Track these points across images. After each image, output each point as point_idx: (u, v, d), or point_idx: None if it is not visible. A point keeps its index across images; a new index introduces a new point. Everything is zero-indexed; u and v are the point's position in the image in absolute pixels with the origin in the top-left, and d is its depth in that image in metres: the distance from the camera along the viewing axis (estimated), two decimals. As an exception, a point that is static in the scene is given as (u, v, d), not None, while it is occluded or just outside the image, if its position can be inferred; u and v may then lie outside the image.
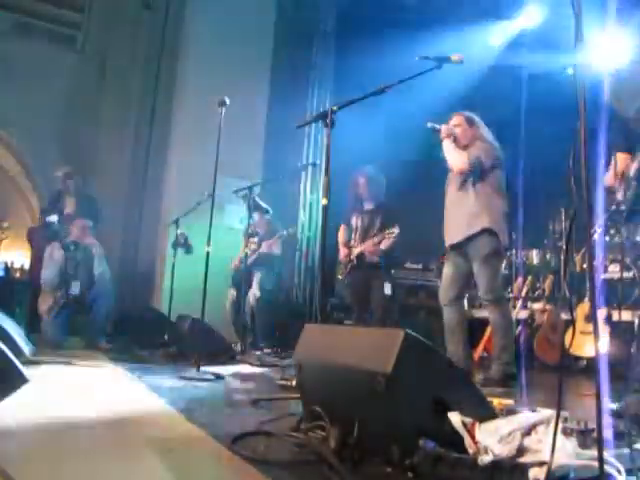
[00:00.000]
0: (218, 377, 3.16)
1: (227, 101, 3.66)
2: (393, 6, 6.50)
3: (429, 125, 3.72)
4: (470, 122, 3.69)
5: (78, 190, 5.65)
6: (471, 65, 5.74)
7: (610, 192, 2.47)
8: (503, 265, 3.71)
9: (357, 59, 6.29)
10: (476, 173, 3.56)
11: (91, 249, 5.10)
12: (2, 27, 6.99)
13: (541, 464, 1.22)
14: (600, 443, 1.15)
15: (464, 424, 1.39)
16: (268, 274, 5.36)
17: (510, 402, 2.27)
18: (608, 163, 2.74)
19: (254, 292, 5.19)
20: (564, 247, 5.17)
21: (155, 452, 1.52)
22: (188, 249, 5.33)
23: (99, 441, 1.66)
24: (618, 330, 3.96)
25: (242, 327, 5.09)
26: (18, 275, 8.78)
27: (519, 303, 5.22)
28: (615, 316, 3.92)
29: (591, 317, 4.13)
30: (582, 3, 1.33)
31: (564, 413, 1.75)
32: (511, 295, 5.29)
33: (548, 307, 5.04)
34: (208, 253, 3.66)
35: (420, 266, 5.92)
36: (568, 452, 1.27)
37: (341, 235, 4.71)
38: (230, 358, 4.23)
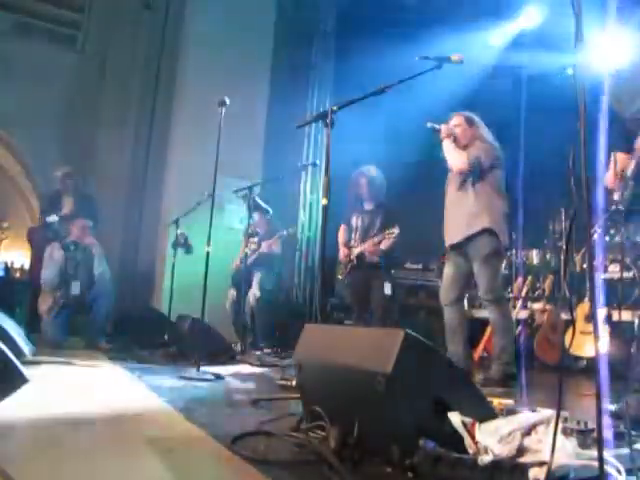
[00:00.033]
0: (218, 377, 3.16)
1: (227, 101, 3.66)
2: (393, 6, 6.50)
3: (429, 125, 3.73)
4: (470, 122, 3.70)
5: (77, 190, 5.64)
6: (471, 65, 5.75)
7: (610, 192, 2.47)
8: (503, 265, 3.71)
9: (357, 59, 6.29)
10: (476, 173, 3.56)
11: (91, 249, 5.10)
12: (2, 27, 6.99)
13: (541, 464, 1.22)
14: (600, 443, 1.15)
15: (464, 424, 1.39)
16: (268, 274, 5.36)
17: (510, 402, 2.27)
18: (607, 163, 2.74)
19: (254, 292, 5.19)
20: (564, 247, 5.17)
21: (155, 452, 1.52)
22: (188, 249, 5.33)
23: (99, 441, 1.65)
24: (618, 330, 3.96)
25: (242, 327, 5.09)
26: (18, 275, 8.78)
27: (519, 303, 5.22)
28: (615, 316, 3.92)
29: (591, 317, 4.13)
30: (582, 3, 1.33)
31: (564, 413, 1.75)
32: (511, 295, 5.28)
33: (548, 307, 5.04)
34: (208, 253, 3.66)
35: (420, 266, 5.91)
36: (568, 452, 1.27)
37: (341, 235, 4.71)
38: (230, 358, 4.22)
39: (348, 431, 1.49)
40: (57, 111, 7.00)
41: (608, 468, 1.23)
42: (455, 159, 3.60)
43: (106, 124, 7.03)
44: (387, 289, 4.42)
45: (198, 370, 3.29)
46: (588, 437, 1.64)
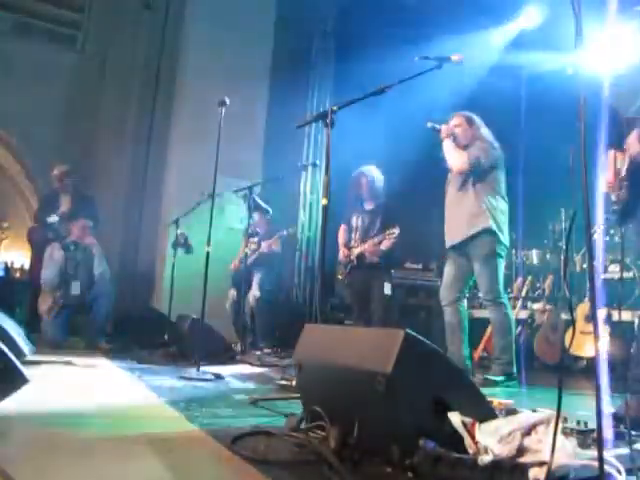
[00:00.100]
0: (218, 377, 3.16)
1: (227, 101, 3.65)
2: (393, 6, 6.50)
3: (429, 125, 3.73)
4: (470, 122, 3.70)
5: (76, 189, 5.63)
6: (471, 65, 5.75)
7: (608, 192, 2.46)
8: (504, 265, 3.71)
9: (357, 59, 6.28)
10: (476, 173, 3.57)
11: (91, 249, 5.10)
12: (2, 27, 6.99)
13: (541, 464, 1.22)
14: (600, 443, 1.15)
15: (464, 424, 1.39)
16: (268, 274, 5.36)
17: (510, 402, 2.27)
18: (607, 162, 2.73)
19: (254, 292, 5.19)
20: (564, 247, 5.17)
21: (155, 452, 1.52)
22: (188, 249, 5.33)
23: (99, 441, 1.65)
24: (618, 330, 3.97)
25: (242, 327, 5.09)
26: (18, 275, 8.78)
27: (519, 303, 5.22)
28: (615, 316, 3.92)
29: (591, 317, 4.13)
30: (582, 3, 1.33)
31: (564, 413, 1.75)
32: (511, 295, 5.28)
33: (548, 307, 5.04)
34: (208, 253, 3.66)
35: (420, 266, 5.91)
36: (568, 452, 1.27)
37: (341, 235, 4.71)
38: (230, 358, 4.23)
39: (348, 431, 1.49)
40: (57, 111, 6.99)
41: (608, 468, 1.23)
42: (455, 159, 3.60)
43: (106, 124, 7.03)
44: (387, 289, 4.42)
45: (198, 370, 3.29)
46: (588, 437, 1.64)
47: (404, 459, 1.35)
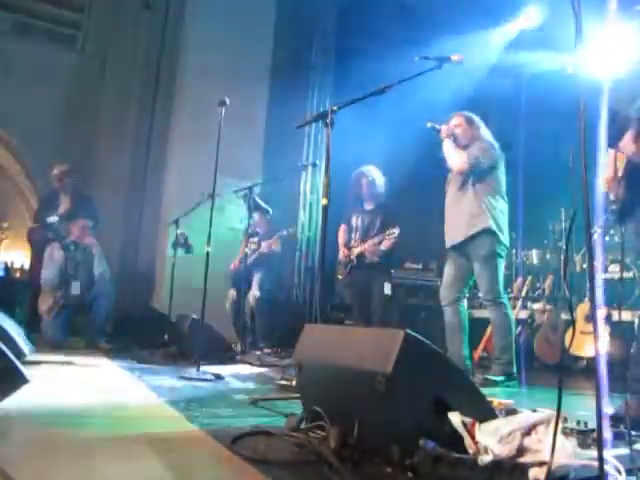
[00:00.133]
0: (218, 377, 3.16)
1: (227, 101, 3.65)
2: (393, 6, 6.50)
3: (429, 125, 3.73)
4: (470, 122, 3.70)
5: (75, 189, 5.62)
6: (471, 65, 5.74)
7: (608, 192, 2.46)
8: (504, 265, 3.71)
9: (357, 59, 6.29)
10: (476, 173, 3.57)
11: (91, 249, 5.10)
12: (2, 27, 6.99)
13: (541, 464, 1.22)
14: (600, 443, 1.15)
15: (464, 424, 1.39)
16: (268, 274, 5.36)
17: (510, 402, 2.27)
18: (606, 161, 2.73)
19: (254, 292, 5.19)
20: (564, 247, 5.17)
21: (155, 452, 1.52)
22: (188, 249, 5.33)
23: (99, 441, 1.65)
24: (618, 330, 3.97)
25: (242, 327, 5.09)
26: (18, 275, 8.78)
27: (519, 303, 5.22)
28: (615, 316, 3.92)
29: (591, 317, 4.13)
30: (582, 3, 1.33)
31: (564, 413, 1.75)
32: (511, 295, 5.29)
33: (548, 307, 5.05)
34: (208, 253, 3.66)
35: (420, 266, 5.91)
36: (568, 452, 1.27)
37: (341, 235, 4.71)
38: (230, 358, 4.23)
39: (348, 431, 1.49)
40: (57, 111, 6.99)
41: (608, 468, 1.23)
42: (455, 159, 3.60)
43: (106, 124, 7.03)
44: (387, 289, 4.42)
45: (198, 370, 3.29)
46: (588, 437, 1.64)
47: (404, 459, 1.35)
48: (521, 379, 3.52)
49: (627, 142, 2.21)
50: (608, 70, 2.30)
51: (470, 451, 1.35)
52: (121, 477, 1.35)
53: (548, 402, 1.97)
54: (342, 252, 4.62)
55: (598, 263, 4.22)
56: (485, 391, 1.80)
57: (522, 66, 6.50)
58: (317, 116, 2.78)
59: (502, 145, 3.73)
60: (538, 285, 5.51)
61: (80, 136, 6.87)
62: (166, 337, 4.78)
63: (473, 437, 1.36)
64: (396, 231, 4.20)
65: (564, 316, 4.77)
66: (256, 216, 5.26)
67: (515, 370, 3.50)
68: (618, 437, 1.67)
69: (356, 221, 4.64)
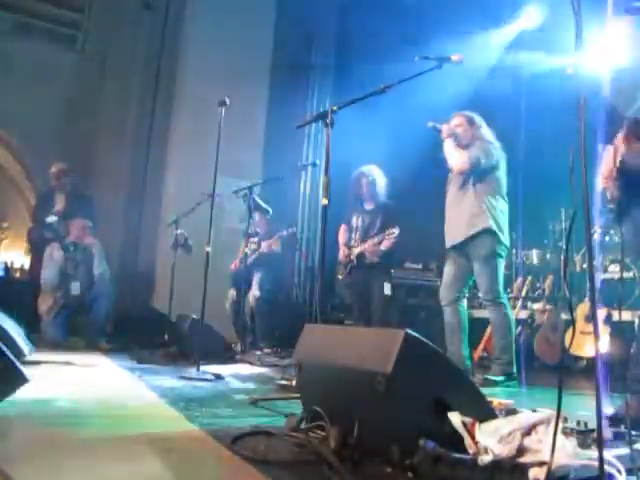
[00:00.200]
0: (218, 377, 3.16)
1: (227, 101, 3.65)
2: (393, 6, 6.50)
3: (430, 125, 3.73)
4: (471, 122, 3.70)
5: (73, 188, 5.60)
6: (471, 65, 5.74)
7: (605, 191, 2.45)
8: (504, 265, 3.71)
9: (357, 59, 6.28)
10: (476, 173, 3.57)
11: (91, 249, 5.10)
12: (2, 27, 6.99)
13: (541, 464, 1.22)
14: (600, 443, 1.15)
15: (464, 424, 1.39)
16: (268, 274, 5.36)
17: (510, 402, 2.27)
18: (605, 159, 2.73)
19: (254, 292, 5.19)
20: (564, 247, 5.17)
21: (155, 452, 1.52)
22: (188, 249, 5.33)
23: (99, 441, 1.65)
24: (618, 330, 3.97)
25: (242, 327, 5.09)
26: (18, 275, 8.78)
27: (519, 303, 5.22)
28: (615, 316, 3.92)
29: (591, 317, 4.13)
30: (582, 3, 1.33)
31: (564, 413, 1.75)
32: (511, 295, 5.29)
33: (548, 307, 5.04)
34: (208, 253, 3.66)
35: (420, 266, 5.91)
36: (568, 452, 1.27)
37: (341, 235, 4.71)
38: (230, 358, 4.23)
39: (348, 431, 1.49)
40: (57, 111, 7.00)
41: (608, 468, 1.23)
42: (456, 159, 3.60)
43: (106, 124, 7.03)
44: (387, 289, 4.42)
45: (198, 370, 3.29)
46: (588, 437, 1.64)
47: (404, 459, 1.35)
48: (521, 379, 3.52)
49: (619, 143, 2.21)
50: (608, 68, 2.30)
51: (470, 451, 1.35)
52: (121, 477, 1.35)
53: (548, 402, 1.97)
54: (342, 252, 4.62)
55: (598, 263, 4.23)
56: (485, 391, 1.80)
57: (522, 66, 6.50)
58: (317, 116, 2.78)
59: (502, 145, 3.73)
60: (538, 285, 5.51)
61: (80, 136, 6.87)
62: (166, 337, 4.78)
63: (473, 437, 1.36)
64: (396, 231, 4.20)
65: (564, 316, 4.77)
66: (256, 216, 5.26)
67: (515, 370, 3.50)
68: (618, 437, 1.68)
69: (356, 221, 4.64)
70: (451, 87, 5.26)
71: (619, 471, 1.26)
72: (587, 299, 4.44)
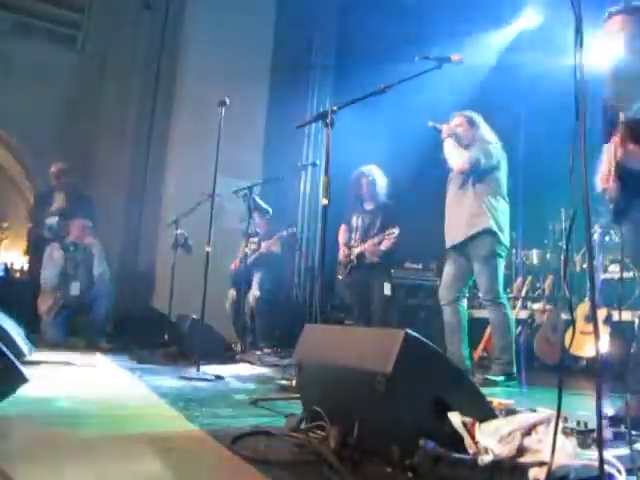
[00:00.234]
0: (218, 377, 3.16)
1: (227, 101, 3.65)
2: (393, 6, 6.50)
3: (430, 125, 3.73)
4: (471, 122, 3.70)
5: (73, 188, 5.60)
6: (471, 65, 5.74)
7: (604, 191, 2.45)
8: (504, 265, 3.71)
9: (357, 59, 6.28)
10: (476, 173, 3.57)
11: (91, 249, 5.10)
12: (2, 27, 7.00)
13: (541, 464, 1.22)
14: (600, 443, 1.15)
15: (464, 424, 1.39)
16: (268, 274, 5.36)
17: (510, 402, 2.27)
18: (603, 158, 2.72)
19: (254, 292, 5.19)
20: (564, 247, 5.17)
21: (155, 452, 1.52)
22: (188, 249, 5.33)
23: (99, 441, 1.65)
24: (618, 330, 3.97)
25: (242, 327, 5.09)
26: (18, 275, 8.78)
27: (519, 303, 5.22)
28: (615, 316, 3.92)
29: (591, 317, 4.13)
30: (582, 3, 1.33)
31: (564, 413, 1.75)
32: (511, 295, 5.28)
33: (548, 307, 5.04)
34: (208, 253, 3.66)
35: (420, 266, 5.91)
36: (568, 452, 1.27)
37: (341, 235, 4.71)
38: (230, 358, 4.23)
39: (348, 431, 1.49)
40: (57, 111, 7.00)
41: (608, 468, 1.23)
42: (456, 159, 3.60)
43: (106, 124, 7.03)
44: (387, 289, 4.42)
45: (198, 370, 3.29)
46: (588, 437, 1.64)
47: (404, 459, 1.35)
48: (521, 379, 3.52)
49: (615, 146, 2.21)
50: (608, 65, 2.31)
51: (470, 451, 1.35)
52: (121, 477, 1.35)
53: (548, 402, 1.97)
54: (342, 252, 4.62)
55: (598, 263, 4.23)
56: (485, 391, 1.80)
57: (522, 66, 6.50)
58: (317, 116, 2.78)
59: (502, 145, 3.72)
60: (538, 285, 5.51)
61: (80, 136, 6.88)
62: (166, 337, 4.78)
63: (473, 437, 1.36)
64: (396, 231, 4.20)
65: (564, 316, 4.77)
66: (256, 216, 5.26)
67: (515, 370, 3.50)
68: (618, 437, 1.67)
69: (356, 221, 4.64)
70: (451, 87, 5.26)
71: (619, 471, 1.26)
72: (587, 299, 4.44)
